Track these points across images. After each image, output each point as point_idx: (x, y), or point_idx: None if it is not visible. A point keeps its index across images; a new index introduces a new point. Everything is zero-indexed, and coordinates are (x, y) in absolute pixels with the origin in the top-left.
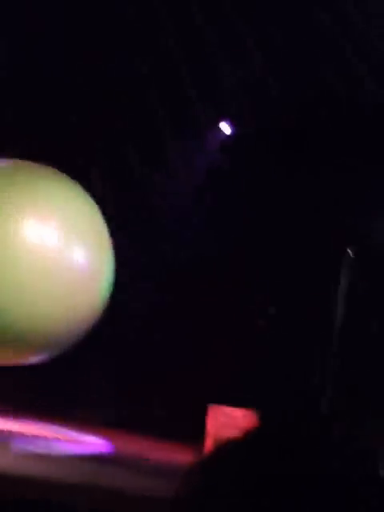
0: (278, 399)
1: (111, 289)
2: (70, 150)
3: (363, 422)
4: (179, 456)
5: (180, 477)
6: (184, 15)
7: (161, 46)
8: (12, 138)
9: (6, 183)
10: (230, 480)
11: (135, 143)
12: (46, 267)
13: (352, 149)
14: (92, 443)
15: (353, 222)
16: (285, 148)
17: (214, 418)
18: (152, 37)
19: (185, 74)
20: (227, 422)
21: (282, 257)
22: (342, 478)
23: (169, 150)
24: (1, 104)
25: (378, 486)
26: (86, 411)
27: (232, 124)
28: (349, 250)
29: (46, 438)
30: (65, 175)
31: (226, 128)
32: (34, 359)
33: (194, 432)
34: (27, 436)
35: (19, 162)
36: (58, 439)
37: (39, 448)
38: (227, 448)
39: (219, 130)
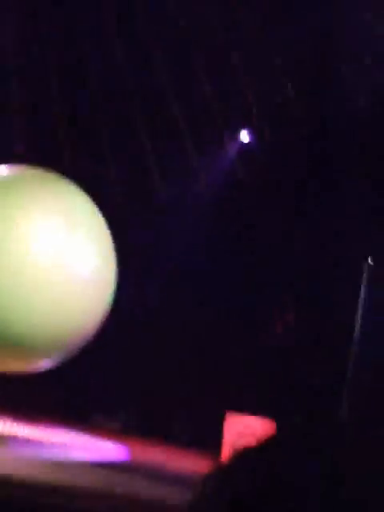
0: (295, 408)
1: (114, 295)
2: (80, 154)
3: (380, 429)
4: (196, 464)
5: (197, 484)
6: (206, 28)
7: (183, 57)
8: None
9: (12, 189)
10: (246, 488)
11: (153, 147)
12: (50, 275)
13: (373, 160)
14: (109, 450)
15: (373, 231)
16: (309, 156)
17: (232, 427)
18: (178, 49)
19: (205, 84)
20: (244, 430)
21: (301, 265)
22: (359, 484)
23: (189, 157)
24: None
25: None
26: (103, 418)
27: (251, 133)
28: (369, 259)
29: (63, 445)
30: (71, 181)
31: (245, 137)
32: (42, 367)
33: (212, 440)
34: (44, 443)
35: (26, 168)
36: (75, 446)
37: (57, 455)
38: (244, 456)
39: (238, 139)
